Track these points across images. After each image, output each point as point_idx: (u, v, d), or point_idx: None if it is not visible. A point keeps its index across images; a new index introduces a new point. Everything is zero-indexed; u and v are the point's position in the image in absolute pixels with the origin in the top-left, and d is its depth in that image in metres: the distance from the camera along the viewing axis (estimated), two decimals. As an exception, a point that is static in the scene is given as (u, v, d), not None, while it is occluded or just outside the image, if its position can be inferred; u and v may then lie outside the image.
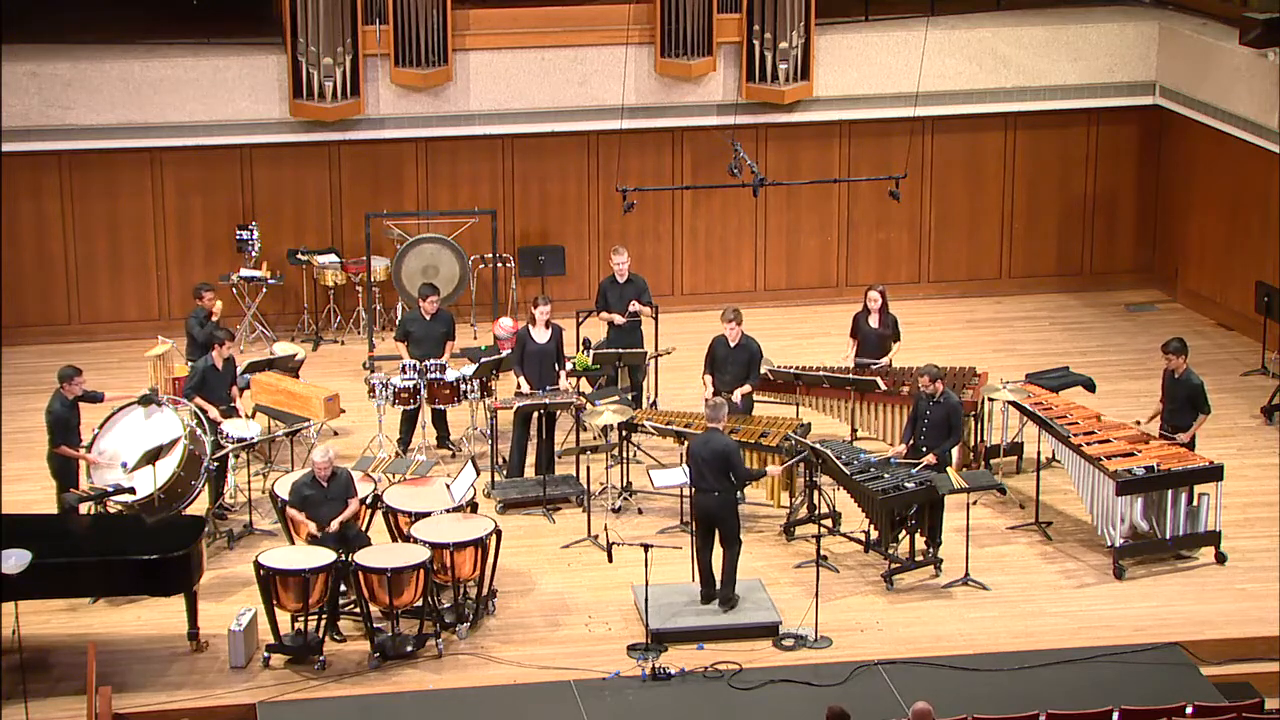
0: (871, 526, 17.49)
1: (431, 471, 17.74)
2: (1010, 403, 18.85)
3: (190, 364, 19.41)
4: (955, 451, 18.24)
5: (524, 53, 22.77)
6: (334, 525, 16.51)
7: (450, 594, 16.55)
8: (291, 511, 16.72)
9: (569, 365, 19.41)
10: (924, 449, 17.83)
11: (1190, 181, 23.83)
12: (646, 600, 16.30)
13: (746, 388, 19.00)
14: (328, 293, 23.08)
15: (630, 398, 19.80)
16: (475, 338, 22.60)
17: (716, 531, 16.57)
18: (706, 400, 17.49)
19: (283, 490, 17.02)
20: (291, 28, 22.09)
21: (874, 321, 19.79)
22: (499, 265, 22.70)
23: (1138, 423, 18.46)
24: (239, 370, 19.18)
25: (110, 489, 17.24)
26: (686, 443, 17.05)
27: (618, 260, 20.39)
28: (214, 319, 19.74)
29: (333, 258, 22.83)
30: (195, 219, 22.97)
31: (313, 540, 16.45)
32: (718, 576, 16.62)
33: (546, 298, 19.42)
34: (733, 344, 18.97)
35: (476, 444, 19.81)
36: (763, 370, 19.31)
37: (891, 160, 23.19)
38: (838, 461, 17.47)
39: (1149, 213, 24.54)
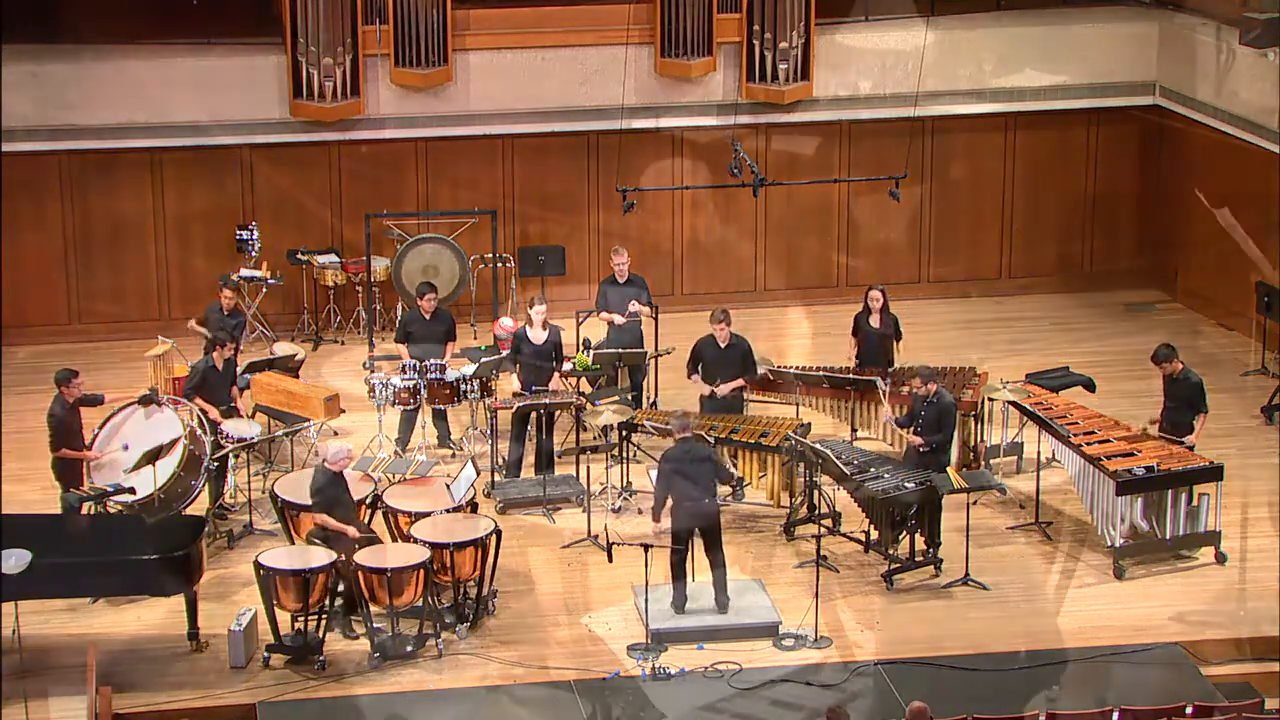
0: (871, 526, 17.49)
1: (431, 471, 17.75)
2: (1010, 403, 18.85)
3: (190, 364, 19.42)
4: (955, 451, 18.23)
5: (524, 53, 22.76)
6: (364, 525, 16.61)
7: (450, 594, 16.55)
8: (328, 520, 16.28)
9: (568, 365, 19.40)
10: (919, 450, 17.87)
11: (1190, 181, 23.80)
12: (646, 600, 16.29)
13: (739, 381, 18.98)
14: (328, 293, 23.07)
15: (630, 398, 19.80)
16: (475, 338, 22.59)
17: (702, 542, 16.54)
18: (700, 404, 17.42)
19: (283, 490, 17.01)
20: (291, 28, 22.09)
21: (875, 321, 19.78)
22: (499, 265, 22.69)
23: (1153, 422, 18.39)
24: (239, 370, 19.19)
25: (110, 489, 17.24)
26: (666, 459, 16.88)
27: (618, 260, 20.39)
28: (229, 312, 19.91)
29: (333, 258, 22.82)
30: (195, 219, 22.96)
31: (316, 540, 16.40)
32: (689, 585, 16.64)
33: (542, 298, 19.40)
34: (723, 344, 18.95)
35: (476, 444, 19.82)
36: (761, 370, 19.31)
37: (891, 160, 23.17)
38: (838, 461, 17.47)
39: (1149, 213, 24.53)
